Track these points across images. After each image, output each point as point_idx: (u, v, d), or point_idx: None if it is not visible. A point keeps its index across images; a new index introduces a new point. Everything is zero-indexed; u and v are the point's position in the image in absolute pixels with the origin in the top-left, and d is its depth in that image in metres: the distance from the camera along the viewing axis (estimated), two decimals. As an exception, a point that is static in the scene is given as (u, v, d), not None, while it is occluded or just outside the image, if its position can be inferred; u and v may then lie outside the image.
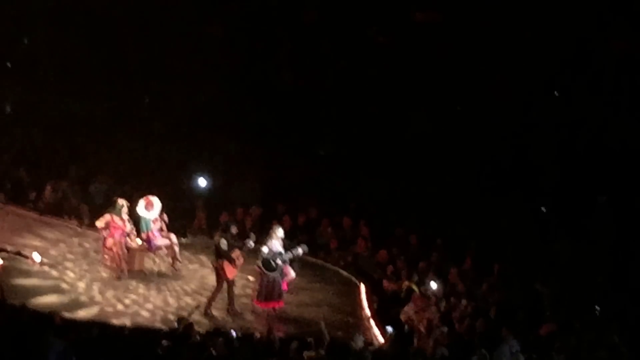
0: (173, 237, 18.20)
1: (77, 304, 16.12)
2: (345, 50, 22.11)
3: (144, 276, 17.72)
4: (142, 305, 16.47)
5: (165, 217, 18.12)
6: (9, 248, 17.57)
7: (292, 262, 16.76)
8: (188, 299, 16.93)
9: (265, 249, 16.45)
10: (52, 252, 18.30)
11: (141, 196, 18.13)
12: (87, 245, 18.93)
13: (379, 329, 16.42)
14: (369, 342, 15.46)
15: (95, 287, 16.97)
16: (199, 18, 22.46)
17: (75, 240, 19.17)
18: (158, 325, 15.52)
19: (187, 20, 22.31)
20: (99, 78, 22.42)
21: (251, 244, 16.68)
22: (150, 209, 17.86)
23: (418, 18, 21.65)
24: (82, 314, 15.65)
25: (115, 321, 15.43)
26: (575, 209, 19.04)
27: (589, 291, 16.64)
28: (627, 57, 19.25)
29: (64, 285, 16.92)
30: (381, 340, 16.02)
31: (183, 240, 19.29)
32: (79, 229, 19.60)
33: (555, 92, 20.39)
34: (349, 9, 21.66)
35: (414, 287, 17.66)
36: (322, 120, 22.31)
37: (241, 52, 22.61)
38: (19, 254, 17.52)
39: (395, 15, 21.53)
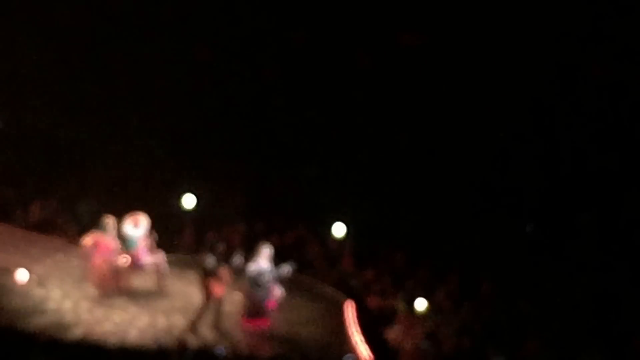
0: (161, 255, 18.25)
1: (63, 323, 16.09)
2: (332, 70, 22.22)
3: (131, 294, 17.72)
4: (129, 324, 16.44)
5: (154, 235, 18.15)
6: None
7: (278, 280, 16.81)
8: (175, 317, 16.95)
9: (252, 267, 16.50)
10: (39, 270, 18.26)
11: (129, 214, 18.19)
12: (74, 263, 18.89)
13: (365, 348, 16.47)
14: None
15: (82, 306, 16.94)
16: (186, 37, 22.53)
17: (63, 258, 19.15)
18: (145, 344, 15.50)
19: (174, 40, 22.38)
20: (87, 97, 22.44)
21: (238, 262, 16.72)
22: (138, 227, 17.91)
23: (404, 41, 21.79)
24: (69, 333, 15.62)
25: (102, 340, 15.39)
26: (559, 228, 19.20)
27: (573, 309, 16.77)
28: (606, 80, 19.45)
29: (51, 304, 16.90)
30: (367, 358, 16.07)
31: (170, 258, 19.33)
32: (66, 247, 19.58)
33: (538, 113, 20.57)
34: (337, 31, 21.79)
35: (401, 306, 17.76)
36: (308, 139, 22.39)
37: (228, 71, 22.68)
38: None
39: (381, 38, 21.68)
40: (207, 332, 16.34)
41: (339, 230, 20.20)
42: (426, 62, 21.30)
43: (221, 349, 14.80)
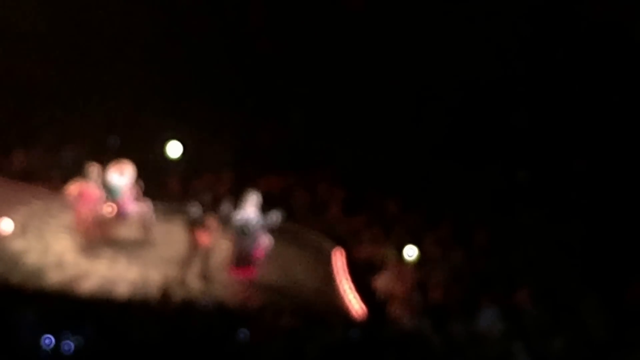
0: (147, 204, 17.97)
1: (48, 273, 15.89)
2: (320, 13, 21.87)
3: (117, 244, 17.48)
4: (114, 274, 16.26)
5: (140, 183, 17.88)
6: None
7: (266, 229, 16.60)
8: (161, 267, 16.71)
9: (239, 216, 16.30)
10: (23, 219, 17.97)
11: (114, 162, 17.86)
12: (58, 212, 18.58)
13: (355, 296, 16.35)
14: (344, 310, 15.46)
15: (67, 256, 16.71)
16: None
17: (47, 207, 18.84)
18: (131, 294, 15.32)
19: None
20: (68, 43, 22.06)
21: (225, 210, 16.50)
22: (123, 175, 17.62)
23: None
24: (54, 283, 15.42)
25: (87, 291, 15.22)
26: (553, 176, 19.06)
27: (566, 257, 16.66)
28: (607, 22, 19.20)
29: (33, 253, 16.64)
30: (356, 308, 15.94)
31: (156, 207, 19.05)
32: (50, 196, 19.26)
33: (533, 56, 20.31)
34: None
35: (390, 255, 17.58)
36: (296, 84, 22.10)
37: (214, 15, 22.31)
38: None
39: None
40: (194, 282, 16.14)
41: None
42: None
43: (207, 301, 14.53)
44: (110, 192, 17.54)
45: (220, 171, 20.81)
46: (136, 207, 17.79)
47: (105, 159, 18.78)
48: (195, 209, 16.38)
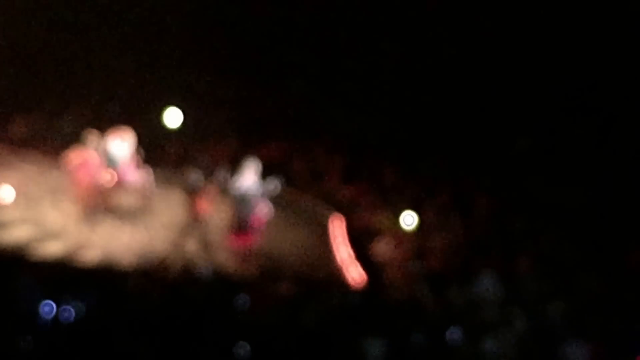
0: (147, 171, 17.96)
1: (47, 240, 15.92)
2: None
3: (116, 211, 17.49)
4: (114, 241, 16.31)
5: (140, 151, 17.86)
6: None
7: (266, 196, 16.61)
8: (160, 235, 16.75)
9: (238, 183, 16.30)
10: (23, 186, 17.95)
11: (113, 129, 17.82)
12: (57, 180, 18.55)
13: (355, 264, 16.38)
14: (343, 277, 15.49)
15: (67, 223, 16.74)
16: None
17: (46, 174, 18.81)
18: (130, 261, 15.37)
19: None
20: (68, 9, 21.95)
21: (224, 177, 16.51)
22: (123, 142, 17.57)
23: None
24: (53, 250, 15.46)
25: (87, 258, 15.26)
26: (553, 142, 19.03)
27: (565, 224, 16.67)
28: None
29: (34, 221, 16.66)
30: (354, 276, 15.98)
31: (156, 174, 19.05)
32: (49, 163, 19.26)
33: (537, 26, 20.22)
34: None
35: (389, 222, 17.59)
36: (296, 51, 22.03)
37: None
38: None
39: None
40: (192, 249, 16.17)
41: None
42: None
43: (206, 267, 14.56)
44: (110, 160, 17.49)
45: (219, 138, 20.78)
46: (136, 174, 17.77)
47: (105, 126, 18.77)
48: (194, 177, 16.38)
